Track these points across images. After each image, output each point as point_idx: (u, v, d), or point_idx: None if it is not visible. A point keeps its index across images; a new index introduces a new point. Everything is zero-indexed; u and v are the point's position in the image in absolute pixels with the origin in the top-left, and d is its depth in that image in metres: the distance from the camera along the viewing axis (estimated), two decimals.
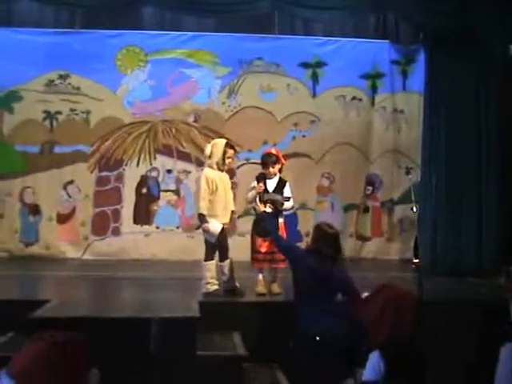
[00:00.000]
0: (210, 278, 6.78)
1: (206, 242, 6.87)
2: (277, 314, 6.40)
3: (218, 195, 6.81)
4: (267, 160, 6.97)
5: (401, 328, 3.92)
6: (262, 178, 6.96)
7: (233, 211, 7.08)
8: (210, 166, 6.89)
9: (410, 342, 3.92)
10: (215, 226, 6.78)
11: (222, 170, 6.93)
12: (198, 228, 6.89)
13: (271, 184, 6.94)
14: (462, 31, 8.86)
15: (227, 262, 6.85)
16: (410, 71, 10.76)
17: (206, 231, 6.78)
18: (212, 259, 6.82)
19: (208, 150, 6.94)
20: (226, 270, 6.85)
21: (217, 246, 6.86)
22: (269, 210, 6.79)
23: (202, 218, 6.74)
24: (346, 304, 5.66)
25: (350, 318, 5.39)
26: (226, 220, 6.93)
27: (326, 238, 5.63)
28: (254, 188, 6.90)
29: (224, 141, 7.09)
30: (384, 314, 3.97)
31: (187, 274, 8.24)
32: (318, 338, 5.36)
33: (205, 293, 6.77)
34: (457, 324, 6.40)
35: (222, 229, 6.83)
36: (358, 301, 5.57)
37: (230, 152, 6.95)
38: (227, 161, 6.92)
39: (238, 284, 6.94)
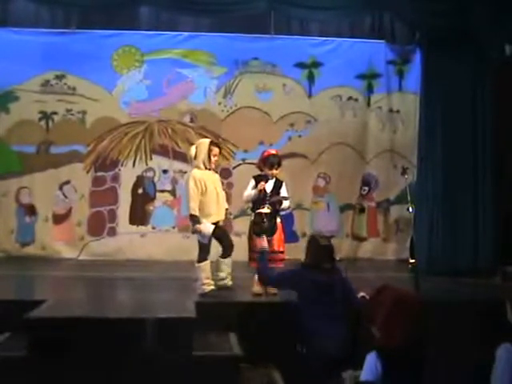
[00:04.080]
0: (206, 278, 6.77)
1: (199, 243, 6.87)
2: (273, 314, 6.39)
3: (208, 194, 6.81)
4: (273, 160, 7.00)
5: (409, 330, 3.94)
6: (264, 178, 6.96)
7: (226, 209, 7.10)
8: (197, 167, 6.91)
9: (407, 342, 3.93)
10: (207, 227, 6.76)
11: (209, 169, 6.94)
12: (194, 232, 6.86)
13: (268, 185, 6.96)
14: (458, 31, 8.87)
15: (229, 259, 6.89)
16: (405, 71, 10.74)
17: (198, 232, 6.78)
18: (205, 260, 6.82)
19: (193, 151, 6.98)
20: (225, 268, 6.87)
21: (222, 242, 6.90)
22: (267, 210, 6.81)
23: (193, 219, 6.74)
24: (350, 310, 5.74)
25: (353, 322, 5.49)
26: (221, 217, 6.94)
27: (321, 250, 5.83)
28: (254, 188, 6.90)
29: (208, 140, 7.17)
30: (392, 316, 3.98)
31: (183, 274, 8.22)
32: (331, 349, 5.39)
33: (201, 294, 6.77)
34: (453, 324, 6.40)
35: (218, 227, 6.84)
36: (359, 306, 5.67)
37: (215, 150, 6.98)
38: (213, 159, 6.93)
39: (231, 282, 6.97)
